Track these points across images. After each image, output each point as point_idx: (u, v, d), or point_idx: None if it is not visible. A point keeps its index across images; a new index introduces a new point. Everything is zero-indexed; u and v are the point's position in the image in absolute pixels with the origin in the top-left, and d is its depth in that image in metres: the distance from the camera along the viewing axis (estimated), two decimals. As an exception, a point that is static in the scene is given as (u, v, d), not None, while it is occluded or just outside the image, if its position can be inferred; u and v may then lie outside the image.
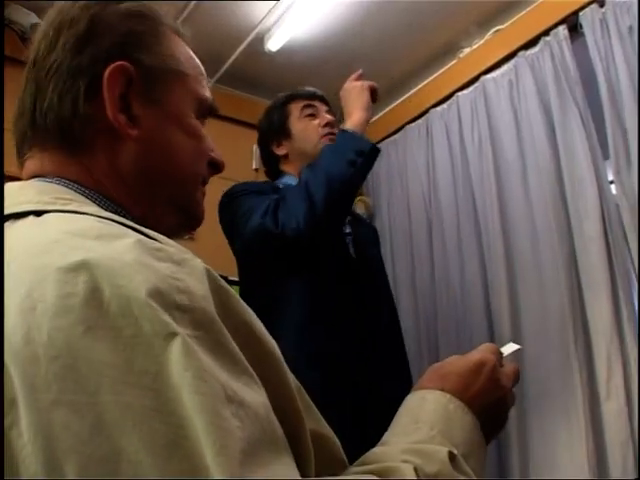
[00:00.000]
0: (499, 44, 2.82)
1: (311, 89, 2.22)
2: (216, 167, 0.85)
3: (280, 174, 2.12)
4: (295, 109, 2.11)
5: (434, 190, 2.95)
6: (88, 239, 0.53)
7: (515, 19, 2.78)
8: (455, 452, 0.63)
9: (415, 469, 0.57)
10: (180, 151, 0.77)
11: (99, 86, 0.71)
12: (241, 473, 0.43)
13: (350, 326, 1.79)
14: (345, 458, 0.64)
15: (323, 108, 2.13)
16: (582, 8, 2.43)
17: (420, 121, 3.18)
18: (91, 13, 0.73)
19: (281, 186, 2.01)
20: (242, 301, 0.57)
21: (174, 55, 0.79)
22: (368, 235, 2.17)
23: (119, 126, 0.71)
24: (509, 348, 0.85)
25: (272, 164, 2.16)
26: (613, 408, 2.04)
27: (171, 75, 0.77)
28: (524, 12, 2.74)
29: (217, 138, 0.82)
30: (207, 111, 0.83)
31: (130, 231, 0.57)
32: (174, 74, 0.78)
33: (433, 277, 2.87)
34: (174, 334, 0.47)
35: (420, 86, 3.26)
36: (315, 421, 0.60)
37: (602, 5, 2.37)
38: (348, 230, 2.01)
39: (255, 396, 0.49)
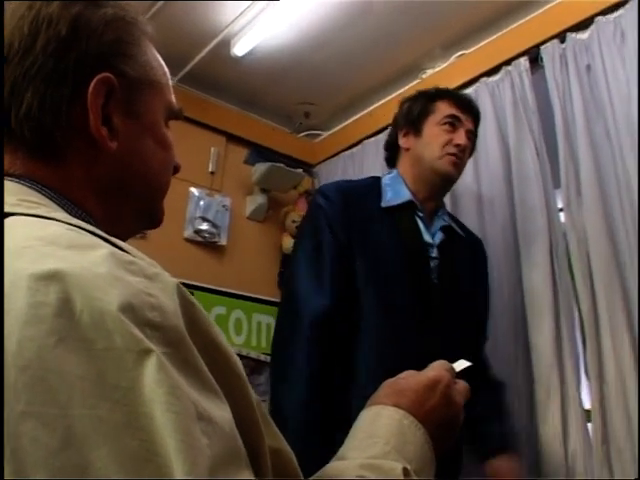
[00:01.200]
0: (462, 68, 2.88)
1: (468, 96, 2.05)
2: (175, 170, 0.85)
3: (393, 165, 1.99)
4: (441, 110, 1.92)
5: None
6: (60, 247, 0.52)
7: (479, 45, 2.84)
8: (409, 468, 0.64)
9: None
10: (153, 163, 0.77)
11: (82, 95, 0.69)
12: None
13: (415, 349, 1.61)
14: (300, 473, 0.64)
15: (468, 125, 1.93)
16: (544, 42, 2.50)
17: (380, 136, 3.21)
18: (73, 14, 0.69)
19: (383, 186, 1.88)
20: (208, 316, 0.57)
21: (152, 65, 0.78)
22: (463, 258, 1.93)
23: (101, 139, 0.70)
24: (460, 365, 0.87)
25: (392, 151, 2.01)
26: (549, 432, 2.08)
27: (150, 86, 0.77)
28: (489, 40, 2.80)
29: (174, 138, 0.81)
30: (173, 116, 0.83)
31: (102, 242, 0.56)
32: (152, 85, 0.77)
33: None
34: (148, 350, 0.46)
35: (381, 102, 3.30)
36: (272, 435, 0.60)
37: (563, 41, 2.44)
38: (434, 254, 1.84)
39: (221, 413, 0.49)
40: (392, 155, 2.02)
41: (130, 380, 0.45)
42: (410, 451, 0.68)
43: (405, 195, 1.86)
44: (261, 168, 3.26)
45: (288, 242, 3.31)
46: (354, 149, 3.40)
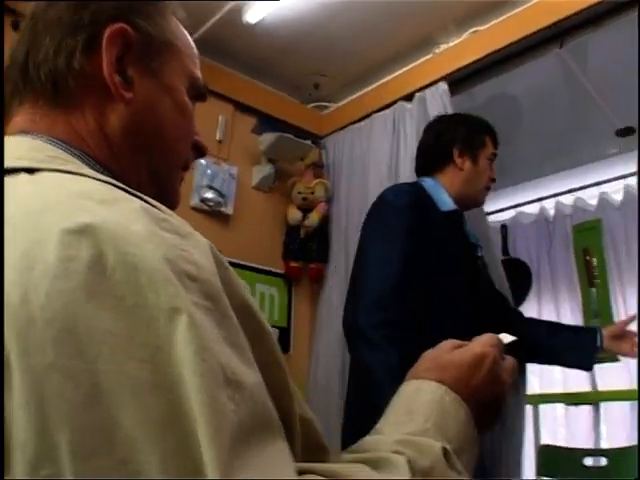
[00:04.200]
0: (475, 45, 2.87)
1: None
2: (200, 151, 0.84)
3: (432, 174, 2.13)
4: (489, 146, 2.15)
5: (394, 180, 2.97)
6: (93, 202, 0.51)
7: (494, 23, 2.82)
8: (448, 448, 0.61)
9: (408, 461, 0.56)
10: (169, 124, 0.76)
11: (97, 44, 0.69)
12: (229, 458, 0.42)
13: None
14: (326, 444, 0.63)
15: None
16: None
17: (388, 111, 3.20)
18: None
19: (430, 191, 2.05)
20: (240, 280, 0.56)
21: (173, 30, 0.78)
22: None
23: (114, 86, 0.69)
24: (506, 338, 0.80)
25: (437, 160, 2.14)
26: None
27: (168, 48, 0.76)
28: (503, 17, 2.77)
29: None
30: (197, 93, 0.81)
31: (133, 197, 0.55)
32: (171, 47, 0.77)
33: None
34: (179, 309, 0.45)
35: (392, 76, 3.27)
36: (300, 405, 0.59)
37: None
38: (479, 253, 2.13)
39: (253, 376, 0.49)
40: (435, 163, 2.14)
41: (160, 338, 0.44)
42: (451, 430, 0.65)
43: (452, 204, 2.05)
44: (269, 138, 3.23)
45: (293, 213, 3.30)
46: (362, 122, 3.37)
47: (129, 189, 0.57)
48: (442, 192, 2.05)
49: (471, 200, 2.14)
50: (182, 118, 0.78)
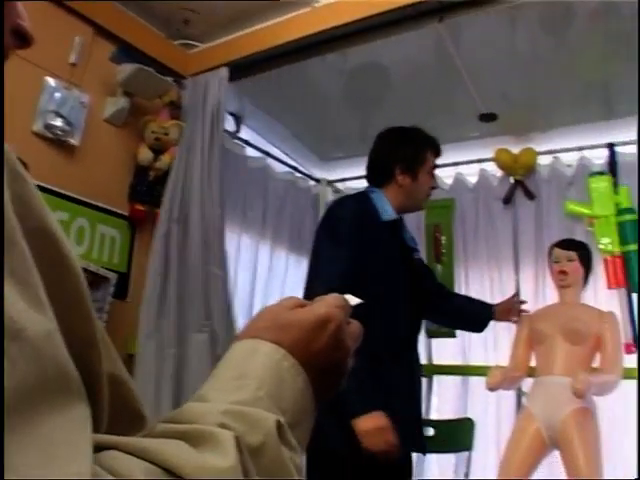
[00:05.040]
0: (355, 3, 2.78)
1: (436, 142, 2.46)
2: (23, 39, 0.67)
3: (378, 185, 2.39)
4: (429, 160, 2.41)
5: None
6: None
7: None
8: (282, 421, 0.53)
9: (236, 438, 0.47)
10: None
11: None
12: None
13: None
14: (143, 411, 0.54)
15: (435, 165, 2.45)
16: None
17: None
18: None
19: (374, 202, 2.33)
20: (44, 202, 0.44)
21: None
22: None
23: None
24: (352, 300, 0.72)
25: (384, 175, 2.38)
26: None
27: None
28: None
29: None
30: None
31: None
32: None
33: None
34: None
35: (265, 24, 3.15)
36: (112, 361, 0.50)
37: None
38: (417, 256, 2.50)
39: (42, 322, 0.37)
40: (380, 177, 2.41)
41: None
42: (286, 400, 0.56)
43: (393, 214, 2.34)
44: (128, 69, 3.00)
45: (144, 153, 3.11)
46: (224, 69, 3.23)
47: None
48: (385, 203, 2.33)
49: (412, 208, 2.47)
50: None
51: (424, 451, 2.52)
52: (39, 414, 0.34)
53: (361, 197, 2.40)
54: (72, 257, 0.45)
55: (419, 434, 2.36)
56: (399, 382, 2.18)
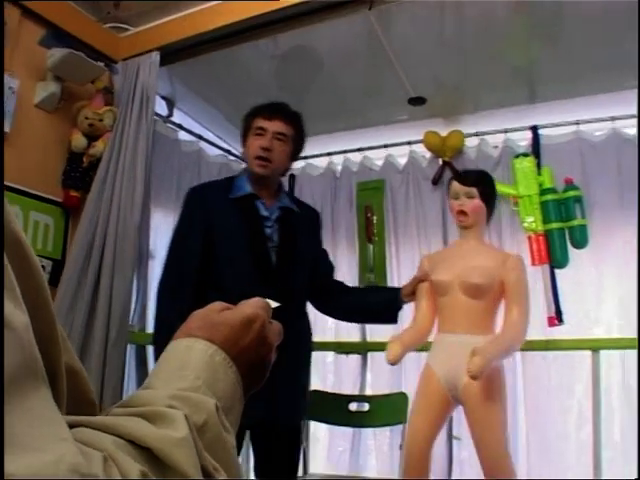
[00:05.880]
0: None
1: (267, 105, 2.47)
2: None
3: None
4: (255, 124, 2.43)
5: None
6: None
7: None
8: (220, 406, 0.61)
9: (185, 416, 0.55)
10: None
11: None
12: None
13: None
14: (95, 399, 0.60)
15: (274, 128, 2.41)
16: None
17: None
18: None
19: (235, 182, 2.47)
20: (10, 208, 0.48)
21: None
22: (299, 224, 2.51)
23: None
24: (273, 304, 0.83)
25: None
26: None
27: None
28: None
29: None
30: None
31: None
32: None
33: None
34: None
35: (197, 9, 3.15)
36: (67, 352, 0.54)
37: None
38: (270, 224, 2.42)
39: (21, 317, 0.42)
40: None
41: None
42: (220, 388, 0.65)
43: (247, 189, 2.44)
44: (58, 53, 2.96)
45: (78, 140, 3.08)
46: (156, 53, 3.22)
47: None
48: (243, 181, 2.46)
49: (254, 175, 2.44)
50: None
51: (302, 419, 2.56)
52: (24, 392, 0.39)
53: (221, 181, 2.60)
54: (34, 258, 0.49)
55: (300, 403, 2.44)
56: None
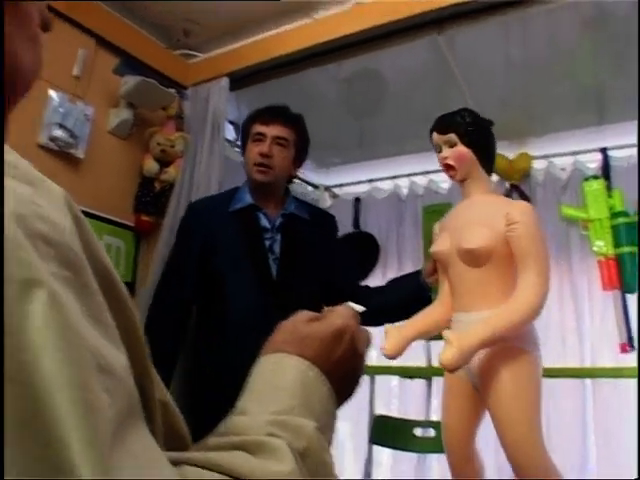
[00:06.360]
0: (355, 16, 2.83)
1: (265, 109, 2.41)
2: (44, 26, 0.63)
3: None
4: (253, 131, 2.36)
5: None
6: None
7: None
8: (318, 426, 0.58)
9: (288, 445, 0.52)
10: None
11: None
12: (107, 458, 0.35)
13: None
14: (186, 431, 0.58)
15: (273, 133, 2.33)
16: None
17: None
18: None
19: (236, 194, 2.39)
20: (97, 238, 0.47)
21: None
22: (306, 232, 2.39)
23: None
24: (357, 308, 0.79)
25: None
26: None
27: None
28: None
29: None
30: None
31: None
32: None
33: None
34: (34, 281, 0.36)
35: (265, 35, 3.18)
36: (158, 385, 0.53)
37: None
38: (269, 235, 2.32)
39: (121, 359, 0.42)
40: None
41: (12, 318, 0.35)
42: (315, 407, 0.61)
43: (247, 200, 2.35)
44: (131, 81, 3.03)
45: (150, 164, 3.14)
46: (225, 79, 3.26)
47: None
48: (244, 192, 2.39)
49: (253, 184, 2.36)
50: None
51: None
52: (131, 437, 0.39)
53: (221, 194, 2.59)
54: (126, 293, 0.48)
55: None
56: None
